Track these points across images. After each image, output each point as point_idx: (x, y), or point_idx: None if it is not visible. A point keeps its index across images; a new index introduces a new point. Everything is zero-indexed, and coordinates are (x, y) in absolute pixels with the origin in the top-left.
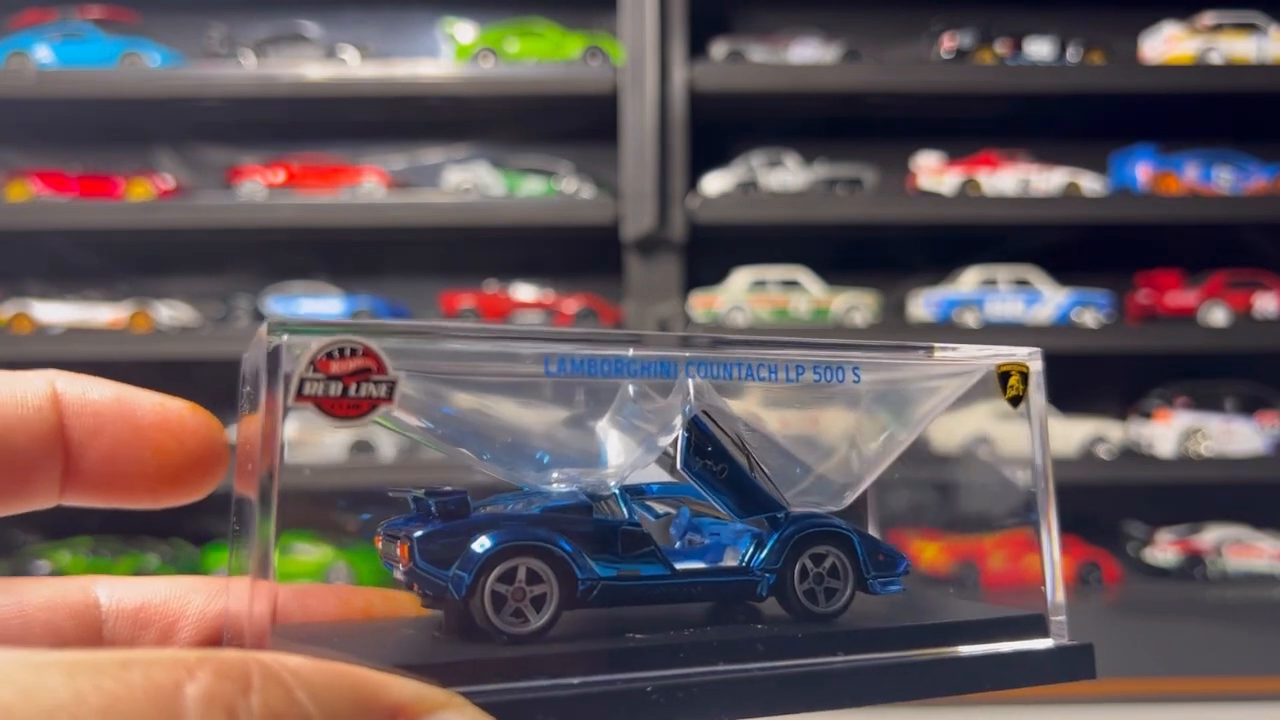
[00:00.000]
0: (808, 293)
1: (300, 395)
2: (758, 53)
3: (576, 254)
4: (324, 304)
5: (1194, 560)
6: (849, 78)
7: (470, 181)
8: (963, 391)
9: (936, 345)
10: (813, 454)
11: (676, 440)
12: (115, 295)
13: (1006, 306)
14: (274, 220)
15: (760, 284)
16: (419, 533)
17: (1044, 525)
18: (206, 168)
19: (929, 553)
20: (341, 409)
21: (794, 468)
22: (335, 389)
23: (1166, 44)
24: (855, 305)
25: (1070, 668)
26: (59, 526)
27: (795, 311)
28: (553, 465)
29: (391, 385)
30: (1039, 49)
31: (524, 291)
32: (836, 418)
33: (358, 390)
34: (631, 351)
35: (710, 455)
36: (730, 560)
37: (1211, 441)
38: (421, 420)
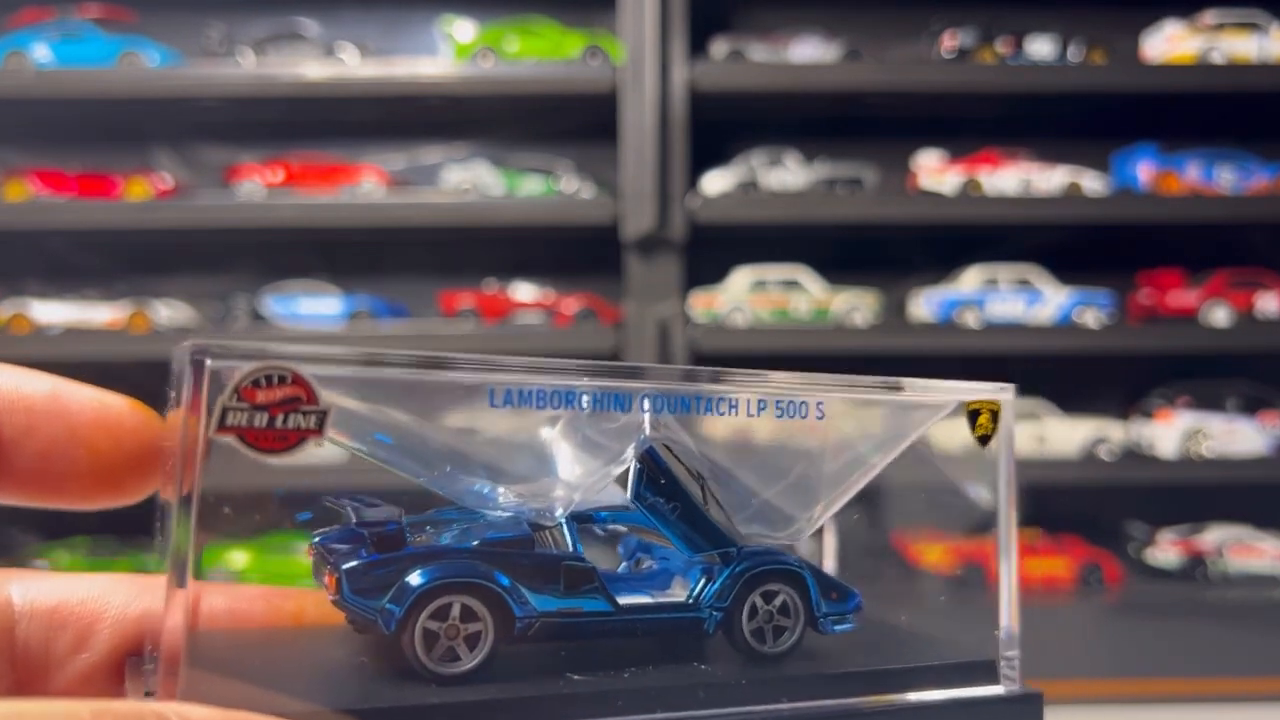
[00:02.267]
0: (808, 292)
1: (222, 426)
2: (758, 52)
3: (576, 254)
4: (323, 303)
5: (1195, 561)
6: (849, 77)
7: (470, 181)
8: (924, 429)
9: (905, 381)
10: (775, 481)
11: (628, 470)
12: (113, 295)
13: (1007, 306)
14: (273, 220)
15: (760, 284)
16: (348, 565)
17: (1004, 562)
18: (205, 167)
19: (934, 554)
20: (266, 441)
21: (750, 499)
22: (261, 419)
23: (1168, 43)
24: (855, 305)
25: (1016, 718)
26: (57, 526)
27: (795, 311)
28: (497, 483)
29: (322, 416)
30: (1040, 48)
31: (523, 291)
32: (803, 444)
33: (285, 421)
34: (585, 381)
35: (663, 490)
36: (678, 590)
37: (1213, 442)
38: (356, 442)
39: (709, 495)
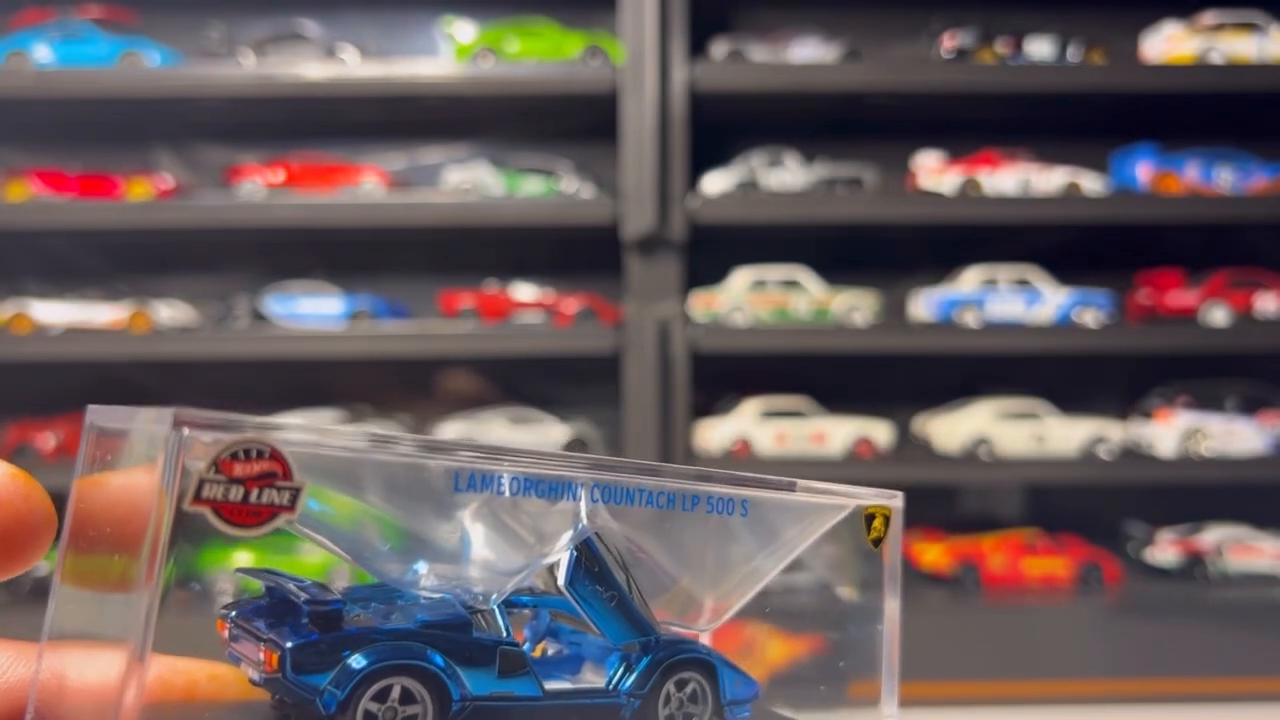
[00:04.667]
0: (808, 292)
1: (197, 498)
2: (758, 52)
3: (576, 254)
4: (323, 303)
5: (1195, 561)
6: (849, 77)
7: (470, 181)
8: (825, 529)
9: (799, 481)
10: (686, 569)
11: (560, 557)
12: (114, 295)
13: (1007, 306)
14: (273, 220)
15: (760, 284)
16: (291, 643)
17: (888, 675)
18: (206, 167)
19: (931, 554)
20: (240, 517)
21: (668, 584)
22: (236, 493)
23: (1167, 43)
24: (855, 305)
25: None
26: None
27: (795, 311)
28: (424, 562)
29: (295, 493)
30: (1040, 48)
31: (523, 291)
32: (707, 539)
33: (259, 497)
34: (535, 469)
35: (599, 579)
36: (590, 675)
37: (1212, 441)
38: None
39: (633, 584)
